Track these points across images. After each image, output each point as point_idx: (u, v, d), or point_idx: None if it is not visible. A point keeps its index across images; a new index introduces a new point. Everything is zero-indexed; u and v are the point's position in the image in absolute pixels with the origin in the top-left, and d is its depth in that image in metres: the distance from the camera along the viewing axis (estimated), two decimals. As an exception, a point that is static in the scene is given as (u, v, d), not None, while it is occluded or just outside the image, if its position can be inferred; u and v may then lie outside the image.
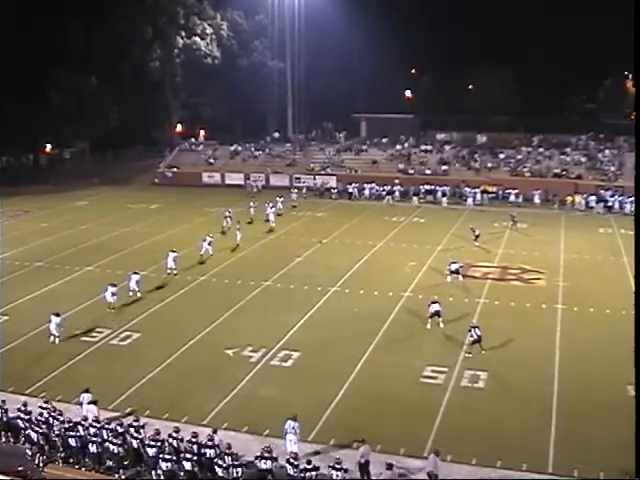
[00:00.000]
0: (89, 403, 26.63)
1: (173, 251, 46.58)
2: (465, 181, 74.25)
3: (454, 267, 44.83)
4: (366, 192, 75.15)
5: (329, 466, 22.48)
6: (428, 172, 78.25)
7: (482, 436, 26.21)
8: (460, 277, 44.65)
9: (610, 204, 69.36)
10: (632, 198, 67.85)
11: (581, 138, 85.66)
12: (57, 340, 34.36)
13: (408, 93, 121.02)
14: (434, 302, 37.20)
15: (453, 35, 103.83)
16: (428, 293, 42.11)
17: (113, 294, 38.99)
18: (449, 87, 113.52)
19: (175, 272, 45.55)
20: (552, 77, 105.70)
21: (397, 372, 31.68)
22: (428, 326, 36.90)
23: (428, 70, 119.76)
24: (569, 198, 70.49)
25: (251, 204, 63.11)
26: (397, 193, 73.48)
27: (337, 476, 22.15)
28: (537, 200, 70.81)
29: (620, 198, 69.42)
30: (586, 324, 38.09)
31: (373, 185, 75.52)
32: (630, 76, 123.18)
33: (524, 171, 76.99)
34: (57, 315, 34.64)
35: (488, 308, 39.92)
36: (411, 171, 78.80)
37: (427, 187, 74.14)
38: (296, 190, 73.63)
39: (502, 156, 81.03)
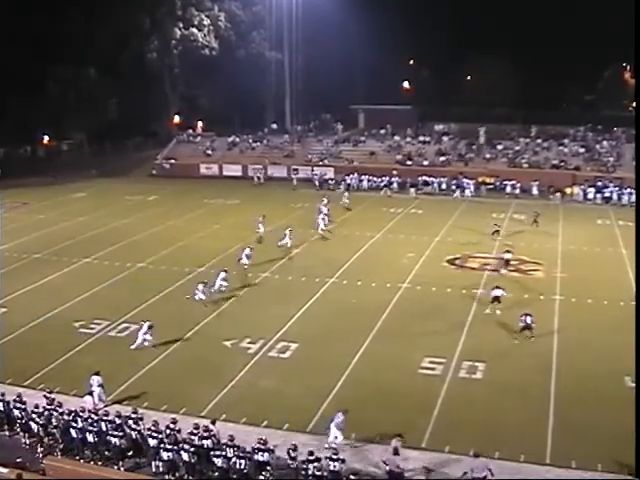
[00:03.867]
0: (87, 394, 26.78)
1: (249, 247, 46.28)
2: (463, 173, 74.17)
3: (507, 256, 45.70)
4: (364, 184, 75.05)
5: (326, 457, 22.56)
6: (426, 163, 78.18)
7: (480, 427, 26.31)
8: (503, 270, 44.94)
9: (608, 195, 69.39)
10: (630, 189, 68.00)
11: (579, 129, 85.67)
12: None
13: (406, 84, 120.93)
14: (497, 287, 38.30)
15: (452, 26, 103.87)
16: (426, 284, 42.36)
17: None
18: (448, 78, 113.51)
19: (245, 266, 44.98)
20: (551, 69, 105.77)
21: (395, 363, 31.78)
22: (487, 311, 37.86)
23: (427, 61, 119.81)
24: (567, 189, 70.49)
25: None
26: (395, 184, 73.41)
27: (334, 467, 22.26)
28: (535, 191, 70.76)
29: (618, 189, 69.44)
30: (584, 315, 38.18)
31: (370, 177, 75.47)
32: (629, 67, 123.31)
33: (522, 162, 76.95)
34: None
35: (486, 300, 39.93)
36: (409, 162, 78.71)
37: (425, 178, 74.03)
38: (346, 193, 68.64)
39: (500, 147, 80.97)
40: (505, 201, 67.74)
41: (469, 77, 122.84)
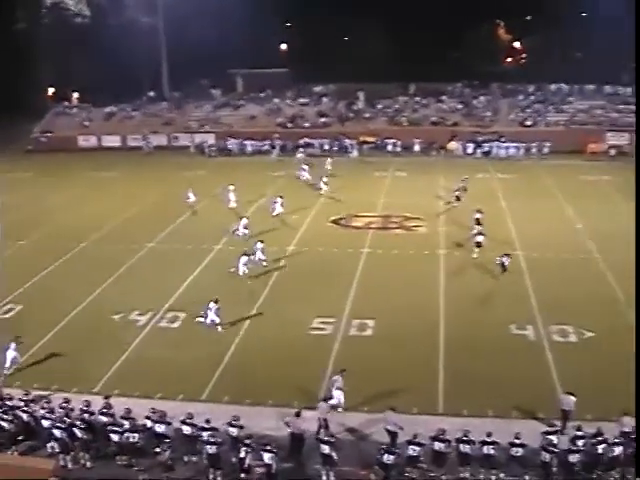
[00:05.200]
0: None
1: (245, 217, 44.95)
2: (344, 133, 74.44)
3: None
4: (248, 148, 74.50)
5: (227, 423, 22.56)
6: (307, 125, 78.11)
7: (373, 383, 26.64)
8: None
9: (487, 149, 70.94)
10: (507, 143, 69.91)
11: (456, 86, 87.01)
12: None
13: (284, 46, 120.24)
14: (480, 234, 40.66)
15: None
16: (313, 245, 42.48)
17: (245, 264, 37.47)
18: (324, 39, 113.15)
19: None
20: (425, 26, 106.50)
21: (286, 325, 31.89)
22: (474, 255, 39.90)
23: (303, 23, 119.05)
24: (448, 145, 71.67)
25: None
26: (278, 148, 73.12)
27: (232, 433, 22.36)
28: (417, 148, 71.76)
29: (496, 143, 71.10)
30: (468, 267, 39.05)
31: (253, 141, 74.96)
32: (502, 23, 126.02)
33: (402, 120, 77.74)
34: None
35: (372, 257, 40.36)
36: (290, 125, 78.47)
37: (307, 140, 73.97)
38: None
39: (380, 106, 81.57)
40: (387, 159, 68.37)
41: (346, 37, 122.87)
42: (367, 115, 79.63)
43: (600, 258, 40.49)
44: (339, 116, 79.73)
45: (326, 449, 21.62)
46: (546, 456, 21.30)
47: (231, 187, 51.39)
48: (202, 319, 31.72)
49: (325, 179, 55.89)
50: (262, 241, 39.37)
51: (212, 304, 31.63)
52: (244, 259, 37.42)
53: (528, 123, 75.36)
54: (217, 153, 74.05)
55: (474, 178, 59.43)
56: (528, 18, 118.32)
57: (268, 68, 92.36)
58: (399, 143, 72.17)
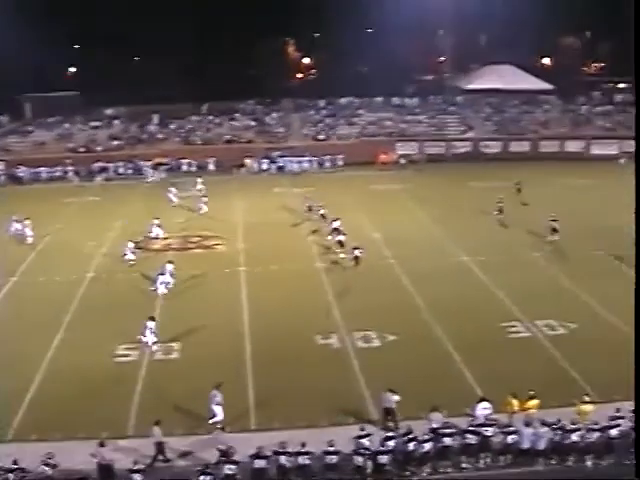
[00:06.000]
0: None
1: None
2: (138, 155, 73.12)
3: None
4: (42, 175, 71.40)
5: (42, 462, 21.63)
6: (99, 149, 76.10)
7: (182, 405, 26.16)
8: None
9: (281, 165, 71.76)
10: (300, 157, 71.10)
11: (249, 103, 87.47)
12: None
13: (73, 69, 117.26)
14: (356, 248, 41.44)
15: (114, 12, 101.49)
16: (111, 272, 41.38)
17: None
18: (114, 61, 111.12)
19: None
20: (216, 45, 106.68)
21: (90, 354, 30.80)
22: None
23: (92, 44, 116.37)
24: (243, 162, 71.79)
25: None
26: (71, 173, 70.71)
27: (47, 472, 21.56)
28: (212, 167, 71.54)
29: (290, 158, 72.06)
30: (269, 282, 39.31)
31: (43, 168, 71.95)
32: (292, 41, 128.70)
33: (195, 140, 77.31)
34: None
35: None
36: (82, 149, 76.15)
37: (100, 164, 72.02)
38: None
39: (173, 127, 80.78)
40: (183, 179, 67.64)
41: (136, 57, 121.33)
42: (160, 136, 78.62)
43: (396, 264, 41.76)
44: (132, 138, 78.25)
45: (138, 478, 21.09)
46: (359, 460, 21.63)
47: (27, 221, 48.77)
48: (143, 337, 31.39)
49: (204, 199, 55.35)
50: (171, 261, 39.61)
51: (149, 322, 31.43)
52: (161, 278, 37.70)
53: (321, 137, 76.91)
54: (7, 182, 70.57)
55: (271, 193, 60.09)
56: (316, 35, 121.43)
57: (57, 92, 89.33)
58: (194, 163, 71.68)
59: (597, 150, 75.45)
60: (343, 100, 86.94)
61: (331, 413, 25.39)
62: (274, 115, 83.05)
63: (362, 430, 22.74)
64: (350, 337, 32.04)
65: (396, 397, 24.51)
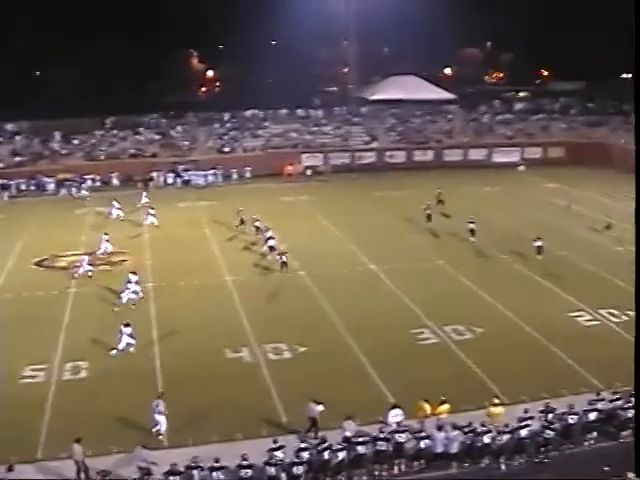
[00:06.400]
0: None
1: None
2: (41, 172, 71.53)
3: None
4: None
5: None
6: (1, 165, 74.14)
7: (99, 424, 25.58)
8: None
9: (187, 178, 71.23)
10: (206, 171, 70.71)
11: (153, 117, 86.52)
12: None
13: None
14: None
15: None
16: (17, 291, 40.34)
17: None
18: (16, 75, 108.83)
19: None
20: (117, 59, 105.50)
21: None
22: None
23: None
24: (149, 176, 70.92)
25: None
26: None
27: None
28: (116, 182, 70.50)
29: (196, 172, 71.60)
30: (177, 297, 39.01)
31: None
32: (196, 53, 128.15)
33: (99, 155, 76.08)
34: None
35: (80, 297, 39.03)
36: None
37: (3, 181, 70.04)
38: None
39: (76, 142, 79.29)
40: (86, 195, 66.35)
41: (38, 72, 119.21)
42: (63, 152, 77.09)
43: (305, 275, 41.87)
44: (35, 154, 76.52)
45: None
46: (272, 470, 21.58)
47: None
48: (115, 352, 31.17)
49: (152, 211, 54.26)
50: (134, 272, 38.92)
51: (124, 328, 31.69)
52: (131, 287, 37.71)
53: (226, 150, 76.62)
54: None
55: (175, 207, 59.61)
56: (220, 47, 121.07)
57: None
58: (98, 178, 70.48)
59: (499, 158, 77.39)
60: (248, 112, 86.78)
61: (245, 426, 25.28)
62: (179, 129, 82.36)
63: (275, 442, 22.66)
64: (261, 349, 31.99)
65: (320, 407, 24.62)
